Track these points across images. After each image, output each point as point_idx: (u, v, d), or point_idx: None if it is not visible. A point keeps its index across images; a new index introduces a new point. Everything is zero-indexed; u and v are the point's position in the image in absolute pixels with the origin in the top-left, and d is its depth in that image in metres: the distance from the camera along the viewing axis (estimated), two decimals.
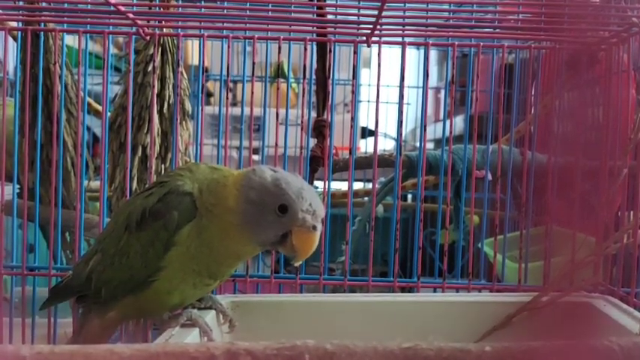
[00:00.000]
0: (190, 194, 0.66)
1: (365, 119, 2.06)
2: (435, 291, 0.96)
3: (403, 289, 0.97)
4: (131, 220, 0.68)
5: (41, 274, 0.95)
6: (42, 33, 0.95)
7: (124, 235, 0.68)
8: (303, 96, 0.95)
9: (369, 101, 2.04)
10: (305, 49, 0.93)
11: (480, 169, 1.04)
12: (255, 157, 1.21)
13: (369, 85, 2.05)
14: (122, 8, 0.83)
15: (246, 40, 1.02)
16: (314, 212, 0.64)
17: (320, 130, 1.00)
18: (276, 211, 0.63)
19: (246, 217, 0.64)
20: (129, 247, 0.68)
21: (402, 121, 0.96)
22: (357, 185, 1.87)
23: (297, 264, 0.69)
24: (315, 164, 1.01)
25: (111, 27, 0.96)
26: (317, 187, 1.26)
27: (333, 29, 0.94)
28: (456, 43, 0.94)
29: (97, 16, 0.95)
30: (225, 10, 0.94)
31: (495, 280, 0.97)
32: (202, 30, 0.97)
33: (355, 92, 0.97)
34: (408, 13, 0.91)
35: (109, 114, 0.98)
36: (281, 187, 0.63)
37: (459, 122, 1.91)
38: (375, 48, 0.93)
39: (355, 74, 0.96)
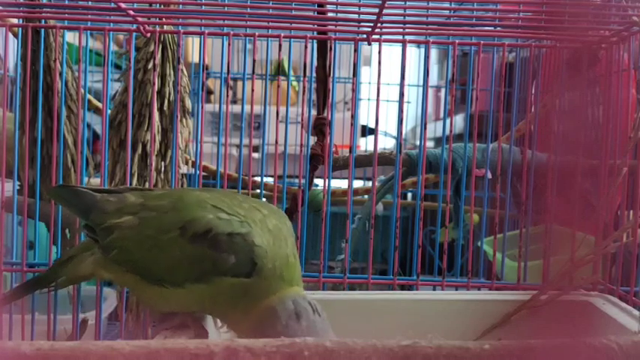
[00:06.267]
0: (254, 260, 0.62)
1: (365, 117, 2.06)
2: (434, 289, 0.97)
3: (403, 287, 0.97)
4: (191, 226, 0.62)
5: (41, 270, 0.95)
6: (42, 30, 0.95)
7: (174, 232, 0.63)
8: (304, 94, 0.95)
9: (369, 99, 2.04)
10: (305, 46, 0.93)
11: (480, 168, 1.04)
12: (255, 155, 1.22)
13: (370, 84, 2.05)
14: (123, 5, 0.83)
15: (247, 38, 1.02)
16: None
17: (320, 128, 1.00)
18: None
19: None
20: (170, 246, 0.63)
21: (402, 120, 0.96)
22: (357, 183, 1.87)
23: None
24: (316, 162, 1.01)
25: (111, 24, 0.96)
26: (317, 185, 1.26)
27: (333, 27, 0.94)
28: (457, 41, 0.94)
29: (98, 13, 0.95)
30: (225, 8, 0.94)
31: (495, 278, 0.97)
32: (203, 27, 0.97)
33: (356, 90, 0.97)
34: (408, 12, 0.91)
35: (109, 111, 0.98)
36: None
37: (459, 121, 1.92)
38: (375, 46, 0.93)
39: (356, 72, 0.96)
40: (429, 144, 2.42)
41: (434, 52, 2.16)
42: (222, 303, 0.64)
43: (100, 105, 1.17)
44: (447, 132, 0.98)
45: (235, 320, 0.64)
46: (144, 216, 0.65)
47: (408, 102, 1.52)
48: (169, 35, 0.97)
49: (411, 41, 0.97)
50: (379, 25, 0.88)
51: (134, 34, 0.94)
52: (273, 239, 0.64)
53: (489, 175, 1.03)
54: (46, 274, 0.75)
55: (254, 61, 0.96)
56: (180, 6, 0.92)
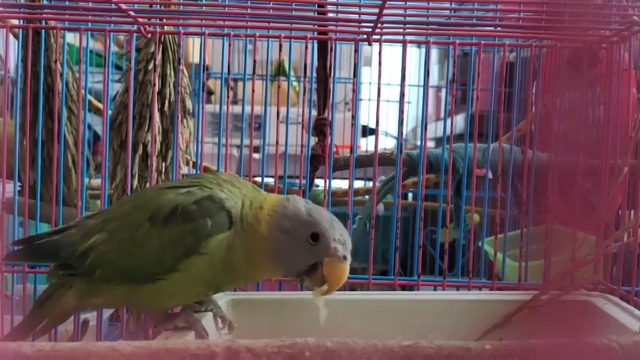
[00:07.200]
0: (229, 211, 0.64)
1: (366, 118, 2.06)
2: (435, 289, 0.96)
3: (404, 288, 0.97)
4: (158, 213, 0.65)
5: (42, 271, 0.95)
6: (43, 31, 0.95)
7: (145, 225, 0.65)
8: (304, 94, 0.95)
9: (369, 100, 2.04)
10: (306, 47, 0.93)
11: (481, 168, 1.04)
12: (256, 156, 1.22)
13: (370, 84, 2.05)
14: (123, 6, 0.83)
15: (247, 38, 1.02)
16: (344, 242, 0.65)
17: (321, 128, 1.00)
18: (308, 240, 0.64)
19: (276, 245, 0.64)
20: (147, 239, 0.64)
21: (402, 120, 0.96)
22: (358, 184, 1.87)
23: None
24: (316, 162, 1.01)
25: (112, 25, 0.96)
26: (318, 186, 1.26)
27: (334, 27, 0.94)
28: (457, 41, 0.94)
29: (99, 13, 0.95)
30: (226, 8, 0.94)
31: (495, 278, 0.97)
32: (203, 28, 0.97)
33: (356, 90, 0.97)
34: (409, 12, 0.91)
35: (110, 112, 0.98)
36: (314, 217, 0.64)
37: (459, 121, 1.92)
38: (375, 46, 0.93)
39: (356, 72, 0.96)
40: (430, 144, 2.42)
41: (434, 52, 2.16)
42: (220, 264, 0.64)
43: (100, 106, 1.18)
44: (448, 132, 0.98)
45: (247, 258, 0.65)
46: (111, 227, 0.67)
47: (409, 102, 1.52)
48: (170, 36, 0.97)
49: (411, 41, 0.97)
50: (379, 25, 0.88)
51: (135, 34, 0.94)
52: (232, 186, 0.67)
53: (490, 175, 1.03)
54: (29, 320, 0.72)
55: (254, 61, 0.96)
56: (181, 7, 0.92)
